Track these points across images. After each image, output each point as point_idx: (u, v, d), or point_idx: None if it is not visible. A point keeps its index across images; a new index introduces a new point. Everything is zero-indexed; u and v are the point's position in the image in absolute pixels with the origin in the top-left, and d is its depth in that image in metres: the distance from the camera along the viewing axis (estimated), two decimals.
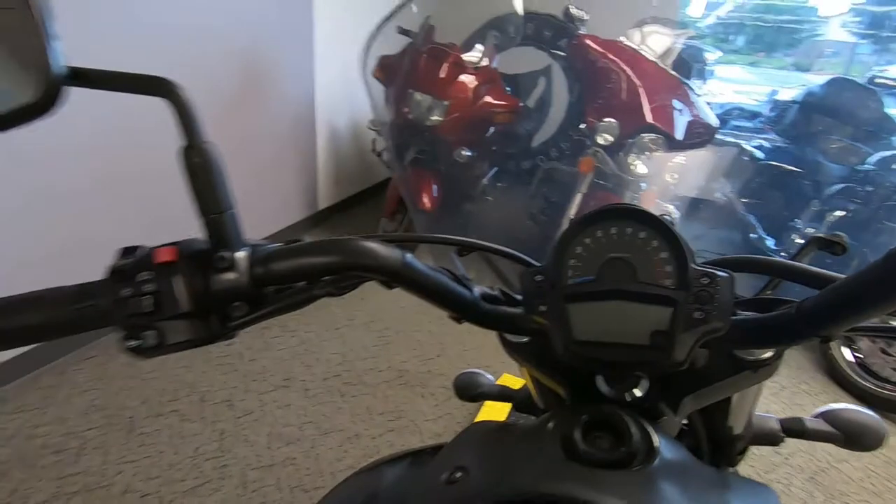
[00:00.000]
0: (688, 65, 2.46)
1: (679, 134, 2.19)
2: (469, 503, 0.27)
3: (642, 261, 0.37)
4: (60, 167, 1.66)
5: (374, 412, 1.73)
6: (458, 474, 0.30)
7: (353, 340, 2.12)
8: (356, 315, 2.28)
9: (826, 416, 0.54)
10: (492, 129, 2.70)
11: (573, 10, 2.29)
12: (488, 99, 2.47)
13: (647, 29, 2.36)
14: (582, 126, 2.22)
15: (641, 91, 2.12)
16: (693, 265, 0.35)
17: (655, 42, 2.33)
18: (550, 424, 0.34)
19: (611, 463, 0.30)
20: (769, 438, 0.54)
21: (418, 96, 2.40)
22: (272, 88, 2.64)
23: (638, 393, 0.40)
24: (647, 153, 2.17)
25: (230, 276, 0.31)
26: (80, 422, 1.57)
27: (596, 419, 0.33)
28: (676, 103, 2.27)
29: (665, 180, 2.27)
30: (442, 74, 2.40)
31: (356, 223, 3.35)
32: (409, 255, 0.36)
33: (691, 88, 2.37)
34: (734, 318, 0.36)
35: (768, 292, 0.44)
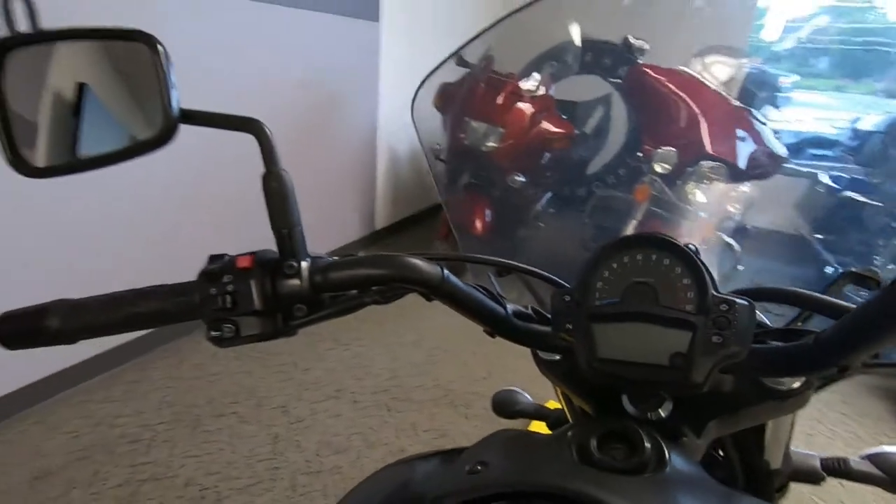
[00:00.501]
0: (753, 93, 2.38)
1: (742, 163, 2.12)
2: (485, 490, 0.31)
3: (665, 286, 0.39)
4: (154, 193, 1.87)
5: (418, 429, 1.77)
6: (479, 467, 0.33)
7: (402, 357, 2.18)
8: (407, 333, 2.34)
9: (874, 458, 0.52)
10: (547, 156, 2.73)
11: (632, 40, 2.30)
12: (543, 126, 2.52)
13: (709, 58, 2.32)
14: (639, 154, 2.21)
15: (701, 119, 2.08)
16: (713, 292, 0.37)
17: (718, 70, 2.28)
18: (570, 434, 0.37)
19: (622, 470, 0.32)
20: (809, 476, 0.53)
21: (474, 123, 2.48)
22: (340, 119, 2.83)
23: (661, 413, 0.42)
24: (706, 182, 2.12)
25: (294, 282, 0.37)
26: (153, 416, 1.72)
27: (612, 431, 0.36)
28: (739, 132, 2.20)
29: (726, 210, 2.19)
30: (498, 102, 2.47)
31: (410, 243, 3.45)
32: (447, 272, 0.41)
33: (756, 117, 2.29)
34: (755, 346, 0.38)
35: (798, 324, 0.44)
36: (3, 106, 0.35)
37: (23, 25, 0.36)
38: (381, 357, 2.17)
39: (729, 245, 2.32)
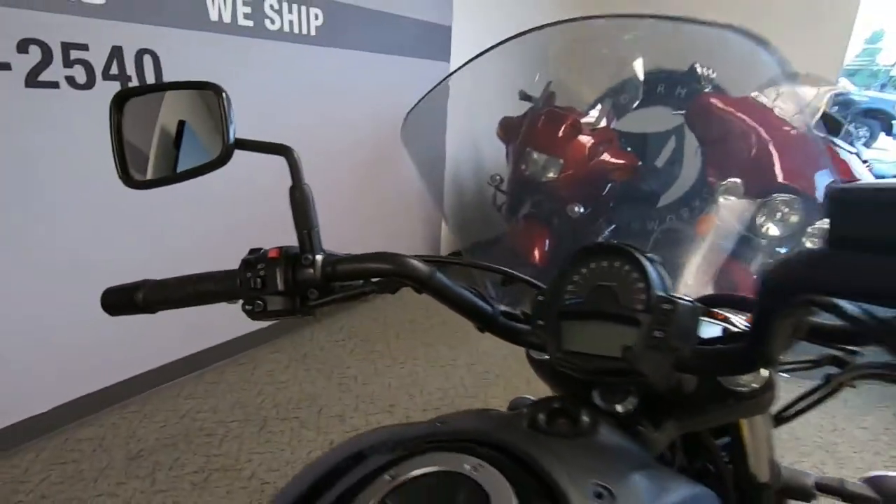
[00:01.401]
0: (838, 122, 2.24)
1: (821, 196, 1.99)
2: (436, 437, 0.37)
3: (624, 288, 0.44)
4: (220, 207, 2.13)
5: None
6: (438, 424, 0.40)
7: (455, 378, 2.24)
8: (461, 356, 2.41)
9: (872, 480, 0.51)
10: (608, 187, 2.72)
11: (699, 69, 2.28)
12: (604, 157, 2.53)
13: (784, 87, 2.23)
14: (704, 185, 2.14)
15: (773, 150, 1.99)
16: (658, 293, 0.42)
17: (795, 99, 2.18)
18: (526, 409, 0.43)
19: (557, 433, 0.38)
20: (800, 493, 0.53)
21: (535, 154, 2.56)
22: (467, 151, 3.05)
23: (626, 407, 0.46)
24: (779, 215, 2.01)
25: (309, 271, 0.47)
26: (227, 414, 1.91)
27: (561, 408, 0.41)
28: (820, 163, 2.08)
29: (805, 245, 2.06)
30: (559, 135, 2.53)
31: (473, 271, 3.53)
32: (438, 272, 0.49)
33: (843, 147, 2.15)
34: (704, 347, 0.42)
35: None
36: (120, 138, 0.49)
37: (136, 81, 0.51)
38: (435, 377, 2.24)
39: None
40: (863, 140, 9.81)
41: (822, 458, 1.83)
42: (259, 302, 0.46)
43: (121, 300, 0.50)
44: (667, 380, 0.45)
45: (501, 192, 2.95)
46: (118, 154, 0.49)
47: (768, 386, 0.44)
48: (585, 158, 2.51)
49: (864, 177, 2.09)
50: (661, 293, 0.42)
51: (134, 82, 1.66)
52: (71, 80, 1.54)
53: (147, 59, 1.68)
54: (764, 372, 0.44)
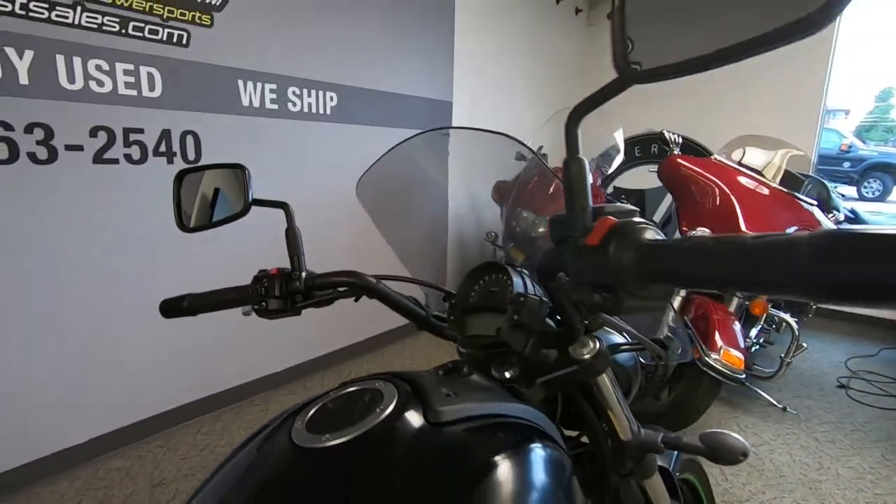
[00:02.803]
0: (795, 178, 2.46)
1: None
2: (369, 375, 0.58)
3: (501, 290, 0.66)
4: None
5: None
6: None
7: None
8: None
9: (704, 436, 0.69)
10: None
11: (666, 134, 2.55)
12: None
13: (749, 148, 2.47)
14: (677, 235, 2.34)
15: (735, 203, 2.20)
16: (518, 291, 0.64)
17: (755, 157, 2.42)
18: (432, 368, 0.64)
19: (446, 376, 0.59)
20: (652, 448, 0.70)
21: (525, 213, 2.81)
22: (418, 206, 3.34)
23: (511, 374, 0.66)
24: None
25: (297, 283, 0.70)
26: None
27: (455, 367, 0.62)
28: (781, 214, 2.27)
29: None
30: (549, 193, 2.79)
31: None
32: (381, 284, 0.72)
33: (803, 199, 2.35)
34: (552, 329, 0.63)
35: None
36: (178, 200, 0.75)
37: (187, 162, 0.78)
38: None
39: (787, 323, 2.29)
40: (876, 193, 9.91)
41: (804, 494, 1.89)
42: (263, 304, 0.70)
43: (172, 307, 0.74)
44: (534, 354, 0.66)
45: (497, 247, 3.20)
46: (177, 210, 0.75)
47: (598, 355, 0.64)
48: None
49: (827, 224, 2.26)
50: (519, 291, 0.64)
51: (178, 158, 2.00)
52: (128, 157, 1.88)
53: (189, 139, 2.04)
54: (595, 344, 0.64)
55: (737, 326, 2.18)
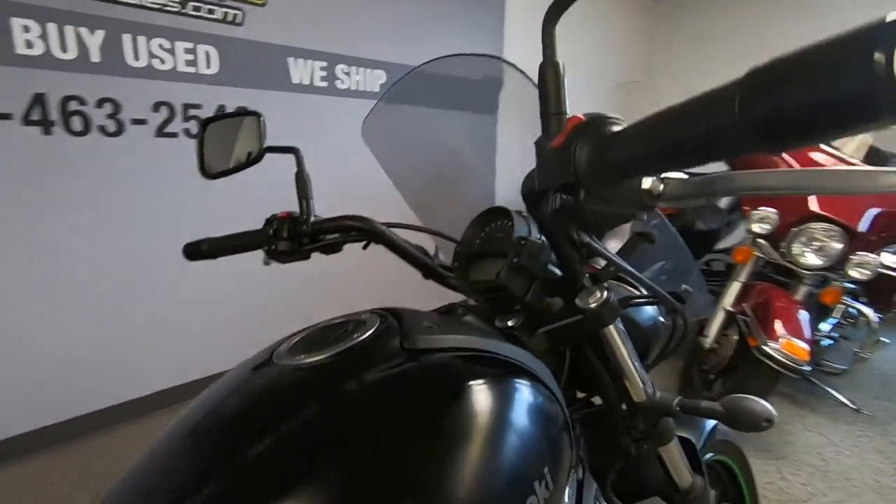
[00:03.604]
0: (883, 156, 2.20)
1: (862, 226, 1.95)
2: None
3: (504, 235, 0.64)
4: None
5: None
6: None
7: None
8: None
9: (723, 399, 0.63)
10: None
11: None
12: None
13: None
14: (738, 215, 2.16)
15: None
16: (518, 234, 0.61)
17: None
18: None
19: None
20: (667, 410, 0.65)
21: (675, 261, 2.71)
22: (464, 193, 3.33)
23: (514, 323, 0.64)
24: (815, 244, 1.99)
25: (304, 227, 0.71)
26: None
27: (449, 308, 0.61)
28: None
29: (852, 275, 1.99)
30: None
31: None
32: (389, 230, 0.71)
33: None
34: (556, 279, 0.60)
35: None
36: (202, 147, 0.78)
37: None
38: None
39: (862, 314, 2.08)
40: None
41: (872, 499, 1.71)
42: (273, 246, 0.71)
43: (193, 250, 0.78)
44: (537, 301, 0.63)
45: None
46: (200, 157, 0.78)
47: (604, 305, 0.60)
48: None
49: None
50: (521, 234, 0.61)
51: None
52: (187, 132, 2.00)
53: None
54: (601, 294, 0.61)
55: (803, 315, 2.00)
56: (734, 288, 2.15)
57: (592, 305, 0.61)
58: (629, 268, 0.58)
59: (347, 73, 2.46)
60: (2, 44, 1.57)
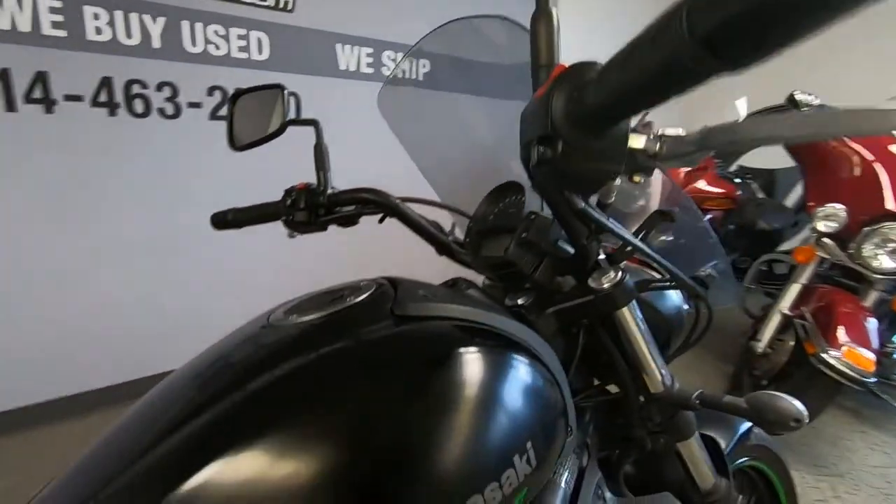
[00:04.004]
0: None
1: None
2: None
3: (516, 210, 0.62)
4: None
5: None
6: None
7: None
8: None
9: (748, 396, 0.58)
10: (707, 218, 2.64)
11: (798, 96, 2.17)
12: (697, 185, 2.48)
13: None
14: (802, 213, 1.99)
15: (882, 174, 1.81)
16: (528, 210, 0.59)
17: None
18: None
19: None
20: (684, 403, 0.61)
21: (700, 243, 2.60)
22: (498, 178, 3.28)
23: (524, 302, 0.62)
24: (890, 245, 1.80)
25: (321, 198, 0.72)
26: None
27: (454, 281, 0.60)
28: None
29: None
30: None
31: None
32: (403, 204, 0.71)
33: None
34: (564, 256, 0.58)
35: None
36: (231, 120, 0.81)
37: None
38: None
39: None
40: None
41: None
42: (290, 217, 0.73)
43: (220, 219, 0.81)
44: (547, 279, 0.60)
45: None
46: (229, 129, 0.81)
47: (617, 285, 0.57)
48: (678, 186, 2.47)
49: None
50: (531, 209, 0.59)
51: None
52: None
53: (291, 100, 2.20)
54: (615, 275, 0.57)
55: (871, 323, 1.83)
56: (793, 290, 2.00)
57: (605, 286, 0.58)
58: (640, 244, 0.55)
59: (393, 60, 2.48)
60: (75, 31, 1.70)
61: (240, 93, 0.82)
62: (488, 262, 0.62)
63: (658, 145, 0.39)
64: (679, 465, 0.71)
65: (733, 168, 4.13)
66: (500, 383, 0.43)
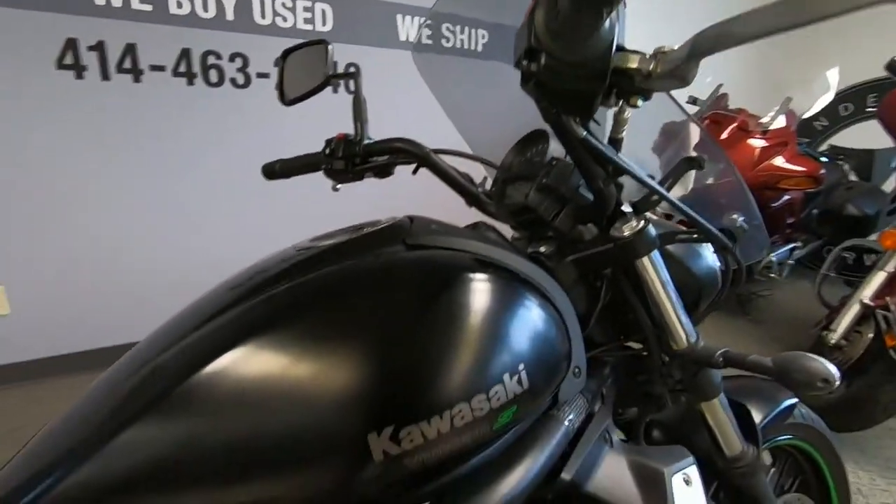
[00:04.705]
0: None
1: None
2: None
3: (540, 157, 0.62)
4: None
5: None
6: None
7: None
8: None
9: (775, 356, 0.55)
10: (785, 198, 2.43)
11: None
12: (775, 162, 2.29)
13: None
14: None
15: None
16: (552, 156, 0.59)
17: None
18: None
19: None
20: (707, 361, 0.59)
21: (728, 193, 2.45)
22: (514, 116, 3.21)
23: (546, 250, 0.62)
24: None
25: (356, 148, 0.75)
26: None
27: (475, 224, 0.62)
28: None
29: None
30: (721, 138, 2.38)
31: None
32: (435, 155, 0.72)
33: None
34: (586, 203, 0.57)
35: None
36: (281, 76, 0.86)
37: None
38: None
39: None
40: None
41: None
42: (329, 165, 0.77)
43: (269, 169, 0.86)
44: (567, 227, 0.60)
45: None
46: (279, 85, 0.86)
47: (639, 233, 0.56)
48: (751, 163, 2.30)
49: None
50: (554, 155, 0.59)
51: (341, 88, 2.25)
52: None
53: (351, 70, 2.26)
54: (636, 224, 0.56)
55: None
56: (877, 278, 1.81)
57: (626, 234, 0.57)
58: (657, 186, 0.53)
59: (452, 32, 2.47)
60: (159, 4, 1.85)
61: (289, 50, 0.86)
62: (510, 210, 0.62)
63: (653, 64, 0.38)
64: (703, 429, 0.69)
65: (823, 147, 3.76)
66: (498, 308, 0.45)
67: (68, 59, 1.76)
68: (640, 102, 0.43)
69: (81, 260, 1.94)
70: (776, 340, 2.50)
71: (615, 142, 0.53)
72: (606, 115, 0.55)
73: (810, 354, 0.54)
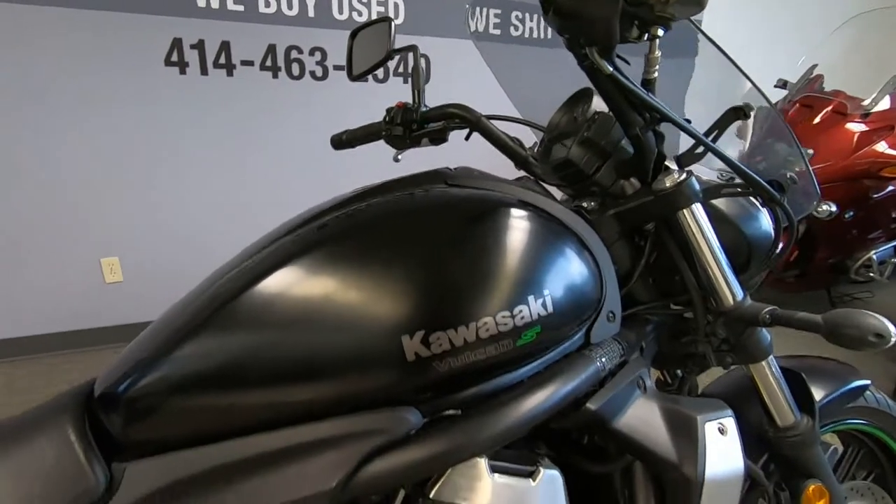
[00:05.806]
0: None
1: None
2: None
3: (583, 114, 0.64)
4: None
5: None
6: None
7: None
8: None
9: (827, 313, 0.53)
10: (889, 189, 2.19)
11: None
12: (877, 148, 2.07)
13: None
14: None
15: None
16: (593, 110, 0.61)
17: None
18: None
19: None
20: (752, 319, 0.57)
21: (777, 145, 2.28)
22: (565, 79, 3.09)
23: (589, 205, 0.64)
24: None
25: (415, 115, 0.81)
26: None
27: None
28: None
29: None
30: (813, 122, 2.20)
31: None
32: (485, 119, 0.76)
33: None
34: (627, 155, 0.59)
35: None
36: (350, 54, 0.94)
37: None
38: None
39: None
40: None
41: None
42: (388, 132, 0.83)
43: (337, 139, 0.94)
44: (609, 180, 0.61)
45: None
46: (348, 63, 0.94)
47: (680, 184, 0.56)
48: (849, 149, 2.09)
49: None
50: (596, 110, 0.60)
51: (408, 81, 2.34)
52: (375, 77, 2.30)
53: (422, 61, 2.35)
54: (678, 176, 0.57)
55: None
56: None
57: (667, 185, 0.58)
58: (736, 162, 0.53)
59: (521, 20, 2.48)
60: (250, 4, 2.03)
61: (357, 29, 0.94)
62: (553, 166, 0.65)
63: None
64: (755, 399, 0.67)
65: None
66: (529, 238, 0.48)
67: (174, 57, 1.99)
68: (660, 32, 0.44)
69: (184, 234, 2.19)
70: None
71: (648, 84, 0.54)
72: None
73: (865, 311, 0.52)
